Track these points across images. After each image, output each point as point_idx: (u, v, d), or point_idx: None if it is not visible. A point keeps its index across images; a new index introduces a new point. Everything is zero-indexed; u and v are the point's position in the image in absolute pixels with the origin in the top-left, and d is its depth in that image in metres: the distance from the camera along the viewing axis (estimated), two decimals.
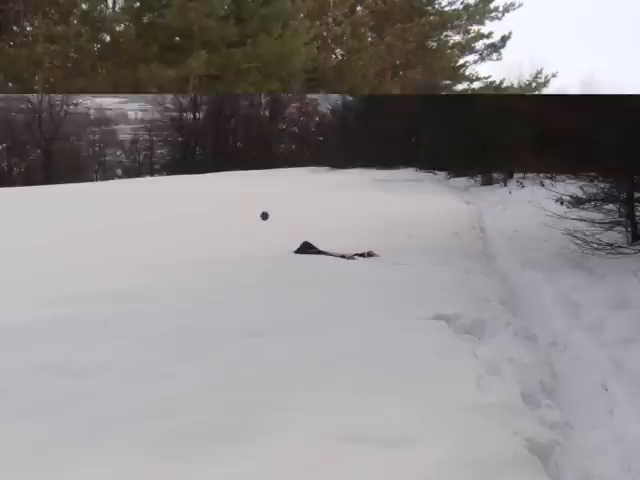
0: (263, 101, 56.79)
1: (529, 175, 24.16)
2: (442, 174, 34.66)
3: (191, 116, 55.97)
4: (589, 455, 4.37)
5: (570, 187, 12.95)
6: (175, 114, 55.58)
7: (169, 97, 52.93)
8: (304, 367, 5.56)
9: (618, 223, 12.21)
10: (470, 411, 4.60)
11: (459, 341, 6.46)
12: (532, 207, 14.87)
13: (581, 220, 12.22)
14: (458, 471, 3.80)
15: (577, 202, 12.59)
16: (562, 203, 12.59)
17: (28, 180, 46.67)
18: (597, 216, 12.41)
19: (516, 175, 27.27)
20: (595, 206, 12.54)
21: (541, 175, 17.10)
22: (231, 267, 11.03)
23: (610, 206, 12.58)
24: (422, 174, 35.98)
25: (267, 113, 57.68)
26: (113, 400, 5.00)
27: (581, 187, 12.67)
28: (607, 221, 12.21)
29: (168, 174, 49.49)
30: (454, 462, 3.88)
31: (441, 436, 4.16)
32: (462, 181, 31.15)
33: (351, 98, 49.14)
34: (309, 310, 7.67)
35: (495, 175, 29.76)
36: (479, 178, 30.58)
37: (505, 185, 26.66)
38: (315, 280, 9.59)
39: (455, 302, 7.80)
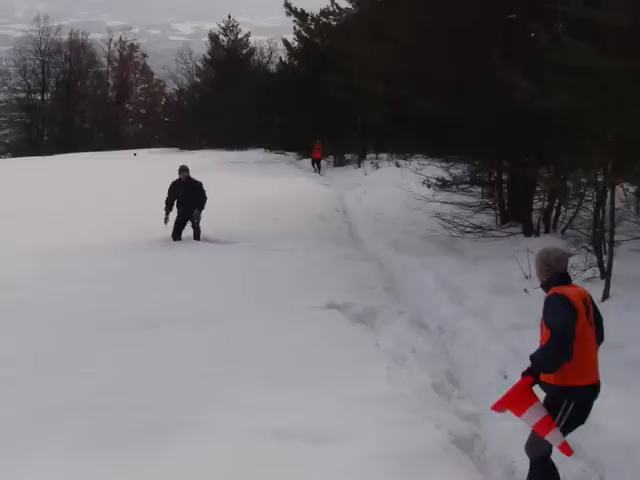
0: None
1: (382, 155, 23.16)
2: (292, 155, 33.67)
3: (39, 97, 55.17)
4: (506, 445, 4.89)
5: (428, 169, 13.18)
6: (22, 95, 54.51)
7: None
8: (210, 359, 6.17)
9: (488, 205, 12.58)
10: (389, 403, 5.19)
11: (357, 330, 7.16)
12: (393, 189, 15.16)
13: (450, 203, 12.57)
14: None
15: (444, 185, 12.93)
16: (429, 186, 12.80)
17: None
18: (461, 198, 12.81)
19: (368, 156, 26.76)
20: (462, 189, 12.89)
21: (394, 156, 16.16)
22: (112, 253, 11.17)
23: (477, 189, 12.95)
24: (272, 155, 35.17)
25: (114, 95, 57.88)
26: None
27: (447, 169, 12.97)
28: (477, 204, 12.56)
29: (13, 155, 48.27)
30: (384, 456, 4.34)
31: (366, 430, 4.73)
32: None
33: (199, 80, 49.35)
34: (200, 300, 8.15)
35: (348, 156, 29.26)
36: (332, 158, 30.08)
37: (359, 166, 26.53)
38: (198, 268, 9.98)
39: (342, 290, 8.42)
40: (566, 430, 4.11)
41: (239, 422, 4.88)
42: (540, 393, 4.14)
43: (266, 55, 49.38)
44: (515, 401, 4.06)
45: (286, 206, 16.46)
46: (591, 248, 8.47)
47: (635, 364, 5.87)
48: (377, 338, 6.91)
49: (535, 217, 11.30)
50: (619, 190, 9.87)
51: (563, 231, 10.83)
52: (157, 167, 23.89)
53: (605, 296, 7.51)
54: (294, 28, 30.99)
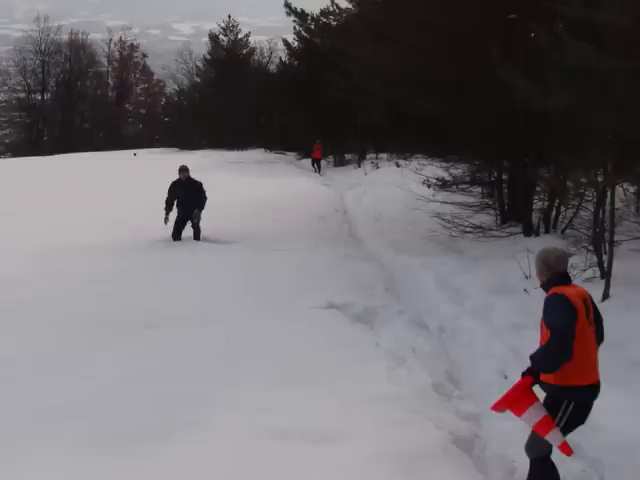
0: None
1: (382, 155, 23.26)
2: (292, 155, 33.69)
3: (39, 97, 55.20)
4: (506, 445, 4.89)
5: (428, 169, 13.33)
6: (22, 95, 54.56)
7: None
8: (210, 359, 6.18)
9: (488, 205, 12.67)
10: (389, 403, 5.22)
11: (357, 330, 7.18)
12: (393, 189, 15.33)
13: (450, 203, 12.68)
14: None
15: (444, 185, 13.05)
16: (429, 186, 12.91)
17: None
18: (461, 198, 12.91)
19: (368, 156, 26.91)
20: (462, 189, 13.01)
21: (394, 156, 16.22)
22: (112, 253, 11.19)
23: (477, 189, 13.12)
24: (272, 155, 35.24)
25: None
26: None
27: (447, 169, 13.10)
28: (477, 204, 12.66)
29: (13, 155, 48.41)
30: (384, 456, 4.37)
31: (366, 430, 4.75)
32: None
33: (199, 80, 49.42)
34: (200, 300, 8.17)
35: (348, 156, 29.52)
36: (332, 158, 30.29)
37: (359, 166, 26.64)
38: (198, 268, 10.01)
39: (342, 290, 8.45)
40: (566, 430, 4.11)
41: (239, 422, 4.88)
42: (540, 393, 4.14)
43: (266, 55, 49.52)
44: (515, 401, 4.06)
45: (286, 206, 16.45)
46: (591, 248, 8.47)
47: (635, 364, 5.88)
48: (377, 338, 6.91)
49: (535, 217, 11.30)
50: (619, 190, 9.89)
51: (563, 231, 10.83)
52: (157, 167, 23.89)
53: (605, 296, 7.51)
54: (294, 28, 31.04)
